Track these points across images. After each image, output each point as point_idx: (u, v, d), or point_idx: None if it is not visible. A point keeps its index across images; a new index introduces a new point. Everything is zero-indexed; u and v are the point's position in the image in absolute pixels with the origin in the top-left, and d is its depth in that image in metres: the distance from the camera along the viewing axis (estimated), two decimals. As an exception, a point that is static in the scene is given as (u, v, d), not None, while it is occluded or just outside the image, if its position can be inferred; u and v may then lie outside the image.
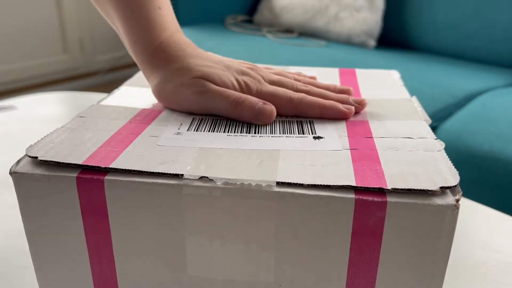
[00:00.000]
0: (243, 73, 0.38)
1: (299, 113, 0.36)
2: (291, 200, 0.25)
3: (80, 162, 0.27)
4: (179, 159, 0.28)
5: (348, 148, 0.30)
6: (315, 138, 0.32)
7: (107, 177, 0.27)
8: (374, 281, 0.27)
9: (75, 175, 0.27)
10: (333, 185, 0.25)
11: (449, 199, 0.25)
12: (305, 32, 1.64)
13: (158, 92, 0.37)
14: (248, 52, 1.44)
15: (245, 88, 0.36)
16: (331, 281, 0.27)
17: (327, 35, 1.58)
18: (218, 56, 0.39)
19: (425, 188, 0.25)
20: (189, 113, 0.36)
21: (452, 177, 0.26)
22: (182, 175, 0.26)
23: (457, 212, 0.25)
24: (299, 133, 0.32)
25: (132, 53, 0.39)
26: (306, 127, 0.34)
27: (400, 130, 0.33)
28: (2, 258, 0.39)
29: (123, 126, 0.33)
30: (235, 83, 0.36)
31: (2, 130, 0.64)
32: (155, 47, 0.38)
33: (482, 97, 1.06)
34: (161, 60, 0.37)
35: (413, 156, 0.29)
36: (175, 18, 0.40)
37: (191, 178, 0.26)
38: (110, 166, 0.27)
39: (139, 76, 0.45)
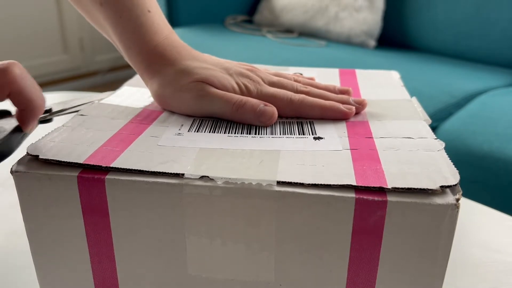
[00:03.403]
0: (242, 75, 0.37)
1: (299, 114, 0.36)
2: (291, 199, 0.25)
3: (81, 161, 0.27)
4: (179, 159, 0.28)
5: (348, 148, 0.30)
6: (315, 138, 0.32)
7: (108, 176, 0.27)
8: (374, 281, 0.27)
9: (76, 174, 0.27)
10: (334, 185, 0.25)
11: (449, 198, 0.25)
12: (305, 32, 1.64)
13: (158, 97, 0.37)
14: (248, 52, 1.44)
15: (245, 91, 0.36)
16: (332, 280, 0.27)
17: (327, 35, 1.58)
18: (215, 58, 0.39)
19: (425, 187, 0.25)
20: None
21: (452, 176, 0.26)
22: (183, 174, 0.26)
23: (457, 211, 0.25)
24: (299, 134, 0.32)
25: (128, 60, 0.39)
26: (306, 128, 0.34)
27: (400, 130, 0.33)
28: (2, 258, 0.39)
29: (124, 126, 0.33)
30: (235, 85, 0.36)
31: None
32: (150, 51, 0.37)
33: (482, 97, 1.06)
34: (158, 64, 0.37)
35: (413, 155, 0.29)
36: (166, 21, 0.40)
37: (192, 177, 0.26)
38: (111, 166, 0.27)
39: (139, 77, 0.45)
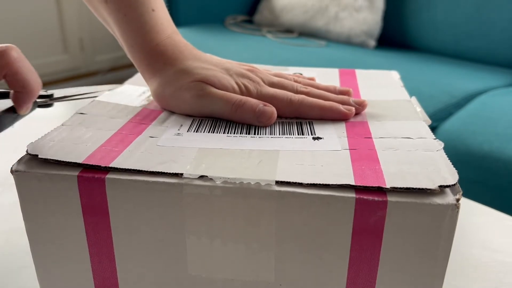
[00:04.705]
0: (243, 75, 0.37)
1: (299, 115, 0.36)
2: (291, 199, 0.25)
3: (80, 161, 0.27)
4: (179, 159, 0.28)
5: (347, 148, 0.30)
6: (314, 138, 0.32)
7: (108, 176, 0.27)
8: (374, 281, 0.27)
9: (76, 174, 0.27)
10: (332, 184, 0.25)
11: (450, 198, 0.25)
12: (305, 32, 1.64)
13: (158, 96, 0.37)
14: (248, 52, 1.44)
15: (244, 91, 0.36)
16: (332, 280, 0.27)
17: (327, 35, 1.58)
18: (217, 58, 0.39)
19: (423, 187, 0.25)
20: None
21: (451, 176, 0.26)
22: (182, 174, 0.27)
23: (458, 211, 0.25)
24: (298, 134, 0.32)
25: (130, 57, 0.39)
26: (305, 128, 0.34)
27: (399, 130, 0.33)
28: (2, 257, 0.39)
29: (123, 126, 0.33)
30: (235, 86, 0.36)
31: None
32: (151, 50, 0.37)
33: (482, 97, 1.06)
34: (159, 63, 0.37)
35: (412, 156, 0.29)
36: (170, 20, 0.40)
37: (191, 177, 0.26)
38: (110, 165, 0.27)
39: (140, 75, 0.45)
